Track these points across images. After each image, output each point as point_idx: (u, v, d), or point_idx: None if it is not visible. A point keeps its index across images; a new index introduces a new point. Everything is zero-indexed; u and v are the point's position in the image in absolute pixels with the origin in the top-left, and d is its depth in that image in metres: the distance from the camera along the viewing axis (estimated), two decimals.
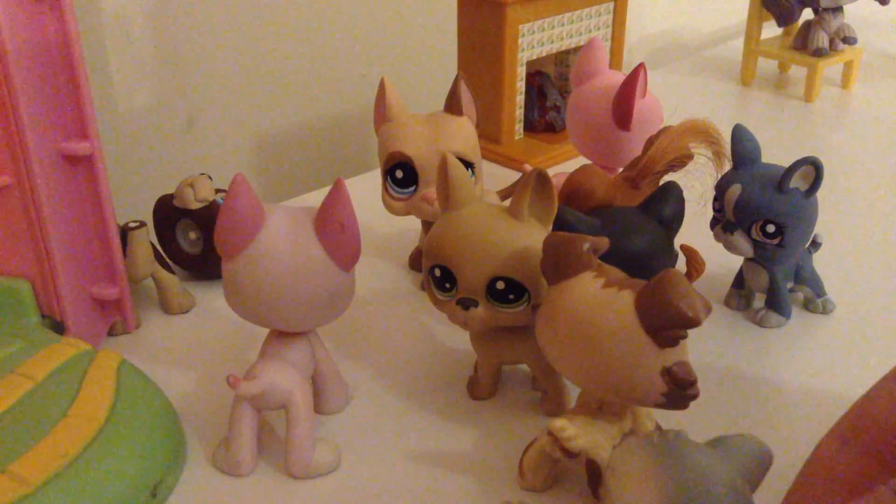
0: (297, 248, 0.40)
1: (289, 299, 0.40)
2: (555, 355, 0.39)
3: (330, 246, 0.40)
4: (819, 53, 0.90)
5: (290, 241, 0.40)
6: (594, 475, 0.40)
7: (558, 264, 0.38)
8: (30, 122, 0.44)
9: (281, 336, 0.44)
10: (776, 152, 0.57)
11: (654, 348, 0.35)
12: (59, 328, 0.49)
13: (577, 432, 0.38)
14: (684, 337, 0.35)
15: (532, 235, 0.42)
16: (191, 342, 0.54)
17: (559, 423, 0.38)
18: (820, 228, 0.52)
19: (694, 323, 0.34)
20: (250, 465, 0.43)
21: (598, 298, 0.37)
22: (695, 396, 0.36)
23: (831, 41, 0.91)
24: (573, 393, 0.47)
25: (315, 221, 0.40)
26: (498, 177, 0.74)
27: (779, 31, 0.97)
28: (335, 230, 0.40)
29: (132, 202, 0.70)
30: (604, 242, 0.39)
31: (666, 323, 0.34)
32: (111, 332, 0.53)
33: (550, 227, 0.43)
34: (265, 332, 0.45)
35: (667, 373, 0.35)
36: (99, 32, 0.70)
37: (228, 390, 0.42)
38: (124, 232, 0.53)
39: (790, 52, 0.93)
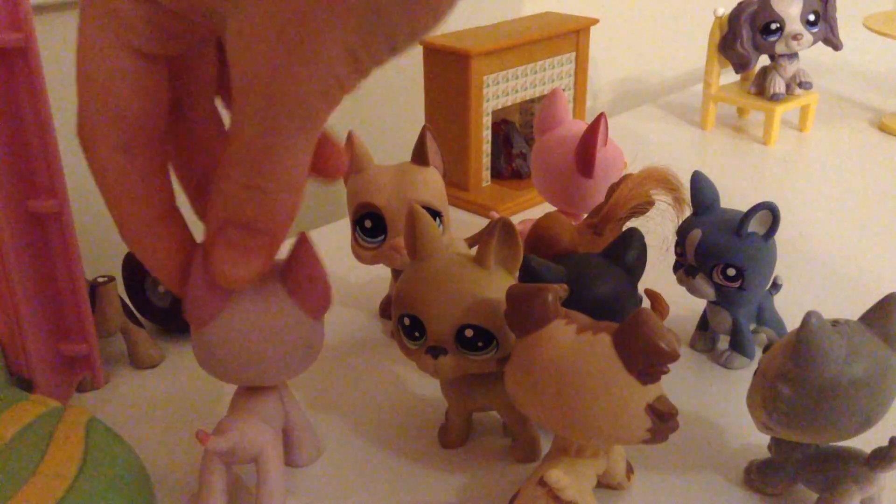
0: (268, 306, 0.39)
1: (265, 357, 0.40)
2: (532, 406, 0.39)
3: (301, 299, 0.39)
4: (776, 98, 0.93)
5: (260, 300, 0.39)
6: None
7: (526, 317, 0.39)
8: None
9: (250, 390, 0.43)
10: (737, 194, 0.58)
11: (638, 386, 0.36)
12: (26, 385, 0.48)
13: (570, 482, 0.39)
14: (667, 371, 0.36)
15: (499, 283, 0.42)
16: (160, 397, 0.53)
17: (555, 474, 0.39)
18: (780, 270, 0.54)
19: (673, 357, 0.36)
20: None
21: (577, 345, 0.37)
22: (676, 428, 0.37)
23: (788, 86, 0.93)
24: (544, 437, 0.47)
25: (283, 276, 0.39)
26: (467, 223, 0.75)
27: (737, 76, 1.00)
28: (304, 283, 0.39)
29: (101, 256, 0.70)
30: (564, 289, 0.40)
31: (648, 360, 0.36)
32: (80, 389, 0.53)
33: (517, 275, 0.44)
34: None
35: (650, 408, 0.37)
36: (65, 87, 0.70)
37: (198, 445, 0.42)
38: (93, 287, 0.53)
39: (748, 97, 0.96)
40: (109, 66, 0.29)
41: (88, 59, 0.30)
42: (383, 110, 0.96)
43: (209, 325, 0.39)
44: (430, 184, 0.54)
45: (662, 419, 0.37)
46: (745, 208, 0.51)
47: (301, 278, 0.39)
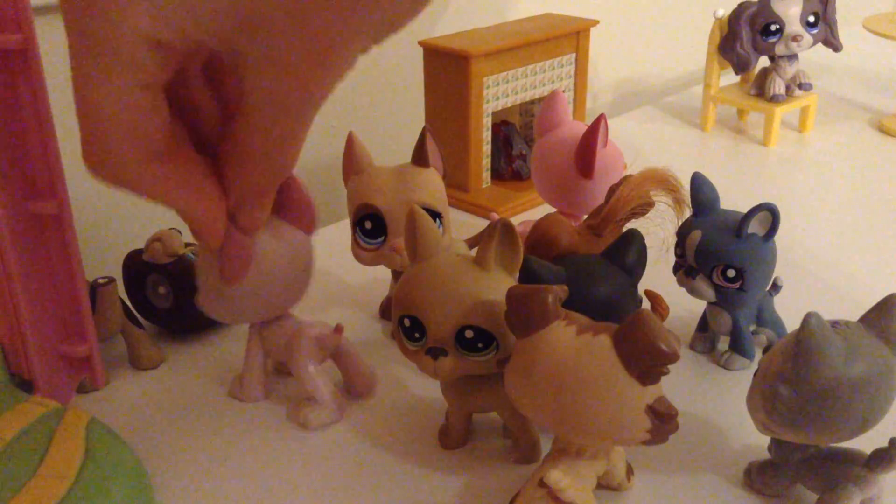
0: (277, 237, 0.46)
1: (289, 280, 0.48)
2: (533, 407, 0.39)
3: (295, 218, 0.48)
4: (776, 100, 0.93)
5: (270, 236, 0.46)
6: None
7: (526, 318, 0.39)
8: None
9: (272, 324, 0.50)
10: (737, 195, 0.59)
11: (638, 387, 0.36)
12: (27, 387, 0.48)
13: (570, 482, 0.39)
14: (666, 373, 0.36)
15: (499, 285, 0.42)
16: (160, 397, 0.53)
17: (555, 475, 0.39)
18: (780, 271, 0.54)
19: (673, 358, 0.36)
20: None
21: (576, 346, 0.37)
22: (675, 429, 0.38)
23: (787, 87, 0.93)
24: (544, 439, 0.47)
25: (276, 208, 0.46)
26: (467, 224, 0.75)
27: (737, 77, 1.00)
28: (294, 204, 0.47)
29: (101, 257, 0.70)
30: (564, 290, 0.40)
31: (647, 361, 0.36)
32: (80, 390, 0.53)
33: (517, 276, 0.44)
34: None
35: (650, 409, 0.37)
36: (65, 87, 0.70)
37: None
38: (94, 288, 0.53)
39: (748, 98, 0.96)
40: (121, 101, 0.30)
41: (95, 98, 0.31)
42: (383, 111, 0.96)
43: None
44: (431, 185, 0.54)
45: (662, 420, 0.37)
46: (744, 209, 0.51)
47: (291, 201, 0.47)
